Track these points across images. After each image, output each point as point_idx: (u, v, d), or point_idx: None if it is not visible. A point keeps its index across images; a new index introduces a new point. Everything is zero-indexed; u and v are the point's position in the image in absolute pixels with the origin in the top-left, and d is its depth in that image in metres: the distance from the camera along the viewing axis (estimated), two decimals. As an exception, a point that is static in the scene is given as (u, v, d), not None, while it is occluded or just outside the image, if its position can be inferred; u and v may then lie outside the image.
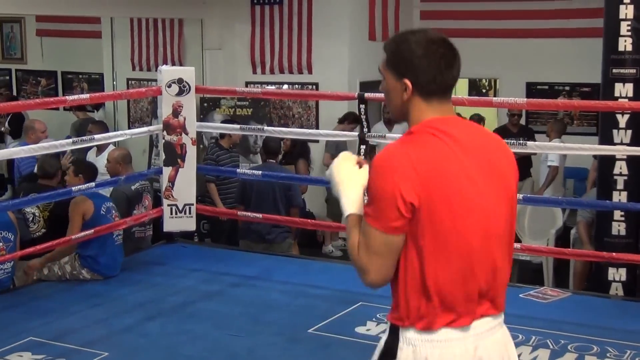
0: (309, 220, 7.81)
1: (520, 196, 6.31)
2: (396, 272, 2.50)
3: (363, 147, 6.31)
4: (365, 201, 2.58)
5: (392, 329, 2.57)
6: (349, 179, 2.66)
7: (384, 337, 2.61)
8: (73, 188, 6.02)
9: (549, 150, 7.67)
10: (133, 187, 7.22)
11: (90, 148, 8.18)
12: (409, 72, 2.53)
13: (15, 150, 6.48)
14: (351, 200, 2.62)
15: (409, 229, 2.44)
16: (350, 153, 2.78)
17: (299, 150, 9.75)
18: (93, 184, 6.15)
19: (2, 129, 11.82)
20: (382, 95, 2.74)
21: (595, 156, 8.79)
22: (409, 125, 2.59)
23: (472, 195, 2.47)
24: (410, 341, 2.53)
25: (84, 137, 6.43)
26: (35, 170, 7.22)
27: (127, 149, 7.80)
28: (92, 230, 5.98)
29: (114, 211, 6.37)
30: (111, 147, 8.34)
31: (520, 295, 5.78)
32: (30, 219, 6.73)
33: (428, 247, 2.45)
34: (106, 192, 7.05)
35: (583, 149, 6.30)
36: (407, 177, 2.41)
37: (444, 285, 2.48)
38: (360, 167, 2.69)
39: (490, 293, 2.56)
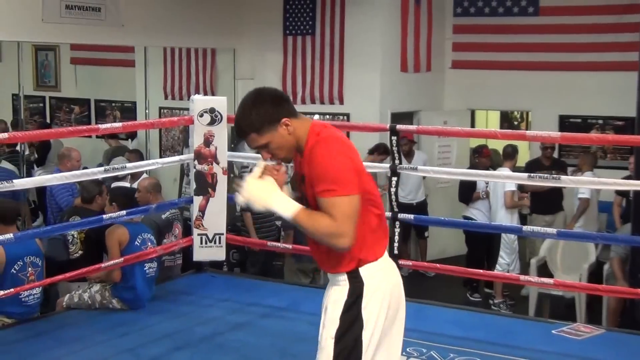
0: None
1: (554, 231, 6.24)
2: None
3: (394, 178, 6.28)
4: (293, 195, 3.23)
5: (351, 275, 3.23)
6: (266, 191, 3.18)
7: (343, 288, 3.23)
8: (104, 216, 6.05)
9: (583, 184, 7.57)
10: (164, 216, 7.24)
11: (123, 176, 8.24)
12: (277, 114, 3.19)
13: (47, 178, 6.52)
14: (285, 203, 3.18)
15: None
16: (256, 171, 3.22)
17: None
18: (124, 212, 6.15)
19: (32, 158, 11.90)
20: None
21: (617, 191, 8.70)
22: (302, 143, 3.22)
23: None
24: (370, 274, 3.24)
25: (115, 165, 6.45)
26: None
27: (157, 178, 7.83)
28: (122, 259, 6.00)
29: (149, 243, 6.36)
30: (144, 176, 8.39)
31: (553, 332, 5.68)
32: (70, 240, 6.88)
33: (366, 201, 3.21)
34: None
35: (618, 184, 6.20)
36: (349, 153, 3.19)
37: (377, 226, 3.31)
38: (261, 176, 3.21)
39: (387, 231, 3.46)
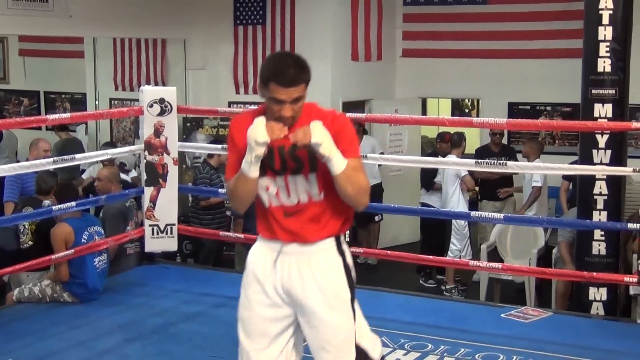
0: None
1: (501, 216, 6.35)
2: (334, 192, 3.37)
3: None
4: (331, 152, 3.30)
5: (338, 242, 3.47)
6: (331, 139, 3.29)
7: (333, 253, 3.44)
8: (53, 207, 6.01)
9: (530, 170, 7.68)
10: (127, 204, 7.24)
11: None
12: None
13: (-1, 169, 6.46)
14: (340, 154, 3.31)
15: None
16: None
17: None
18: (74, 203, 6.11)
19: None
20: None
21: (564, 176, 8.84)
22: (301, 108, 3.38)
23: None
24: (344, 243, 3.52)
25: (64, 157, 6.38)
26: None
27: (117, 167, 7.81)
28: (72, 251, 5.97)
29: (97, 237, 6.30)
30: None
31: (502, 315, 5.79)
32: (21, 230, 6.84)
33: None
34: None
35: (563, 169, 6.33)
36: None
37: None
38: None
39: None
